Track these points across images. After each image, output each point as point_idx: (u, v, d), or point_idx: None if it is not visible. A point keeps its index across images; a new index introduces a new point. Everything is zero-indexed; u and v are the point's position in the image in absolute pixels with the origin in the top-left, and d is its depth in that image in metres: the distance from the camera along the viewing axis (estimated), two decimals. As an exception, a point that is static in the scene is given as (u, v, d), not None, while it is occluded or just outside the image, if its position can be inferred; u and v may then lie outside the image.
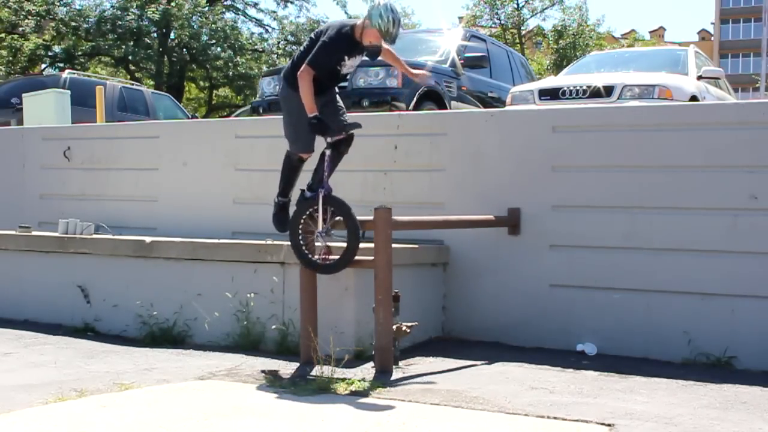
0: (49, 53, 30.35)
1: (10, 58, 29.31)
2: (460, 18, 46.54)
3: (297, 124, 5.58)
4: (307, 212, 5.55)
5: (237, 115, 16.74)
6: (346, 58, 5.47)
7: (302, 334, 5.55)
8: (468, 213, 6.56)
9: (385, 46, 5.55)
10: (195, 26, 30.84)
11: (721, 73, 10.07)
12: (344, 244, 5.46)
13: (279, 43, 35.07)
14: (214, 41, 31.16)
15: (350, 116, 5.79)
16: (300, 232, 5.56)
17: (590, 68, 10.07)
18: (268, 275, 6.20)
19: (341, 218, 5.46)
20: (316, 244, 5.51)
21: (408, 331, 5.49)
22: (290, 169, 5.81)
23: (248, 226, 7.42)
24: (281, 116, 5.85)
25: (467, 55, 9.95)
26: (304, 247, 5.54)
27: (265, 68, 28.53)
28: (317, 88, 5.38)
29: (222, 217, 7.71)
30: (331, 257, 5.52)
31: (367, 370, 5.35)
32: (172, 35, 31.02)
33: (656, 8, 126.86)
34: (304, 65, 5.35)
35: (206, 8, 30.97)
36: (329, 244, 5.53)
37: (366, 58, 5.58)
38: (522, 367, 5.64)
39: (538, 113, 6.95)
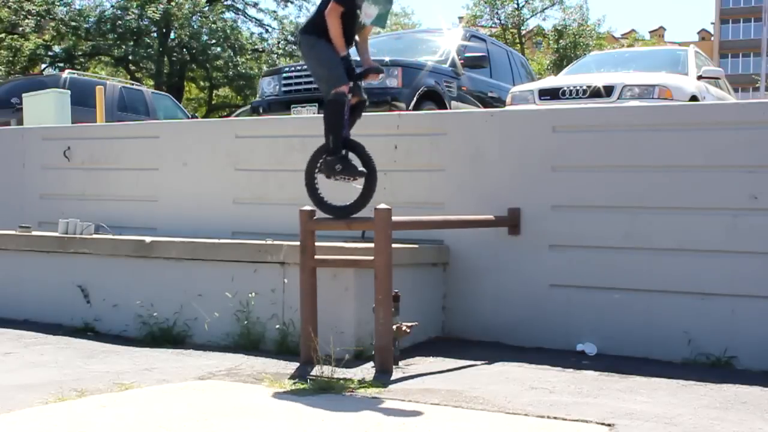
0: (49, 53, 30.40)
1: (10, 58, 29.34)
2: (460, 18, 46.59)
3: (330, 64, 5.54)
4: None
5: (237, 115, 16.73)
6: None
7: (302, 334, 5.55)
8: (468, 213, 6.56)
9: (368, 24, 5.69)
10: (195, 26, 30.89)
11: (721, 73, 10.08)
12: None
13: (279, 43, 35.08)
14: (214, 41, 31.20)
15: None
16: (316, 171, 5.71)
17: (590, 68, 10.07)
18: (268, 275, 6.20)
19: (358, 157, 5.58)
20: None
21: (408, 331, 5.49)
22: (337, 111, 5.61)
23: (248, 226, 7.43)
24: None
25: (467, 55, 9.95)
26: (317, 184, 5.68)
27: (265, 68, 28.53)
28: None
29: (222, 217, 7.71)
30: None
31: (367, 370, 5.35)
32: (172, 35, 31.06)
33: (656, 8, 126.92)
34: (330, 3, 5.38)
35: (206, 8, 31.00)
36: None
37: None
38: (522, 367, 5.64)
39: (538, 113, 6.94)
